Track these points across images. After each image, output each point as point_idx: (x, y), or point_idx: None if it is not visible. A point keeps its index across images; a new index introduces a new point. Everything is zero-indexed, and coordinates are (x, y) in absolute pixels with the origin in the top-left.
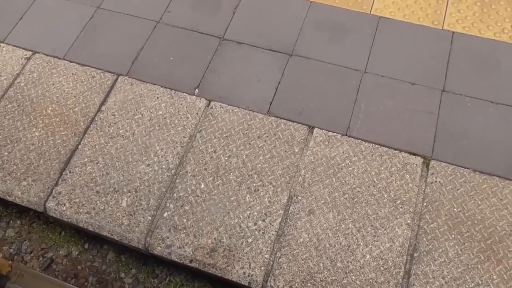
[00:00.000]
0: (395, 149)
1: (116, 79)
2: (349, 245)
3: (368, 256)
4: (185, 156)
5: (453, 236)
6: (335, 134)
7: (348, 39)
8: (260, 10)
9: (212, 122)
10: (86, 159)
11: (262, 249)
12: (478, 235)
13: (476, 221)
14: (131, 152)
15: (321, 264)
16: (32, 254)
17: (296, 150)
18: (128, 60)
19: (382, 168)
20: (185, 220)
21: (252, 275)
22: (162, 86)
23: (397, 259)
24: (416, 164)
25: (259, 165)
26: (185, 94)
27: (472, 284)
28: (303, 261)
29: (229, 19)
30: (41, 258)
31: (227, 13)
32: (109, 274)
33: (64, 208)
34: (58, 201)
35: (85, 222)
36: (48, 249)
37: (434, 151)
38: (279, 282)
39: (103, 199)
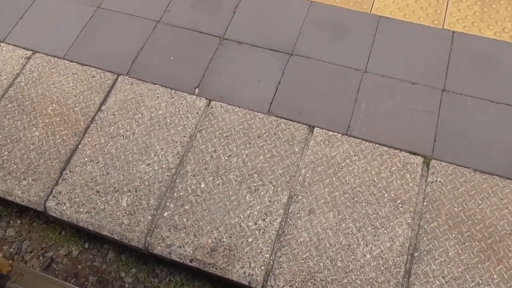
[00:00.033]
0: (396, 149)
1: (116, 79)
2: (350, 244)
3: (368, 256)
4: (185, 156)
5: (453, 235)
6: (336, 133)
7: (348, 38)
8: (260, 9)
9: (213, 122)
10: (86, 159)
11: (263, 249)
12: (479, 234)
13: (476, 221)
14: (131, 151)
15: (321, 264)
16: (32, 254)
17: (297, 150)
18: (128, 59)
19: (383, 167)
20: (185, 220)
21: (252, 274)
22: (162, 86)
23: (398, 258)
24: (417, 164)
25: (260, 164)
26: (185, 93)
27: (473, 284)
28: (303, 261)
29: (229, 19)
30: (41, 258)
31: (227, 12)
32: (109, 274)
33: (64, 207)
34: (58, 200)
35: (85, 222)
36: (48, 248)
37: (435, 150)
38: (279, 281)
39: (103, 199)
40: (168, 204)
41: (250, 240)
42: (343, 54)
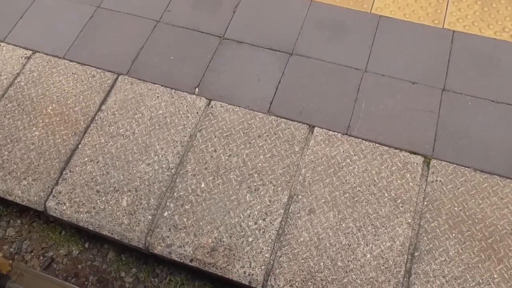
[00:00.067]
0: (396, 148)
1: (116, 79)
2: (350, 244)
3: (368, 255)
4: (186, 155)
5: (453, 235)
6: (336, 133)
7: (348, 38)
8: (260, 9)
9: (213, 121)
10: (86, 159)
11: (263, 248)
12: (479, 234)
13: (476, 220)
14: (131, 151)
15: (322, 263)
16: (32, 254)
17: (297, 149)
18: (128, 59)
19: (383, 167)
20: (185, 219)
21: (253, 274)
22: (162, 85)
23: (398, 258)
24: (417, 163)
25: (260, 164)
26: (185, 93)
27: (473, 283)
28: (303, 260)
29: (229, 18)
30: (41, 258)
31: (227, 12)
32: (110, 273)
33: (64, 207)
34: (58, 200)
35: (85, 222)
36: (48, 248)
37: (435, 150)
38: (279, 281)
39: (103, 199)
40: (168, 203)
41: (250, 239)
42: (343, 53)
